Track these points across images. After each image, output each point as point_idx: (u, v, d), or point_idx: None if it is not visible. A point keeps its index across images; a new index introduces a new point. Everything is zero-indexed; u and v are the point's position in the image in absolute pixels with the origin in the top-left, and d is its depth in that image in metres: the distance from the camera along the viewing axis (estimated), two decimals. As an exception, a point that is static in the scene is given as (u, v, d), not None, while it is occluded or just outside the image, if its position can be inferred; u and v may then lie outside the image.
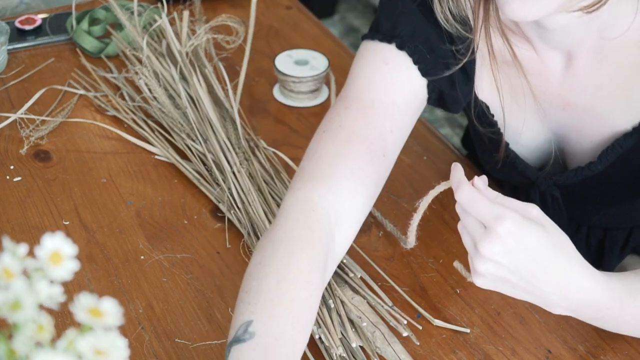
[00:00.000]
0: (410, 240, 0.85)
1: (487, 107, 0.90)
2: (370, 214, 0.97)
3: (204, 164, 1.01)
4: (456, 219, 0.96)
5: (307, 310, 0.73)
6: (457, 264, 0.80)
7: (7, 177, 1.00)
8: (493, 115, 0.90)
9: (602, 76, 0.84)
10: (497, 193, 0.70)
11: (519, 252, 0.68)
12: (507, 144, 0.91)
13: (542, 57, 0.85)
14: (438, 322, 0.83)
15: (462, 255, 0.92)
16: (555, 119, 0.89)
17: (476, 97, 0.89)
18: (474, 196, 0.69)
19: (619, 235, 0.98)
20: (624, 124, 0.84)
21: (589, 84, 0.85)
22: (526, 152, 0.93)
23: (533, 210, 0.69)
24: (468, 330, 0.83)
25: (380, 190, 0.85)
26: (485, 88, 0.89)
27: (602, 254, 1.00)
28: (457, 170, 0.71)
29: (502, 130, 0.90)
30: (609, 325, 0.77)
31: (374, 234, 0.94)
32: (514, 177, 0.96)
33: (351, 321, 0.81)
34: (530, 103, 0.88)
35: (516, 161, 0.92)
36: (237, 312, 0.72)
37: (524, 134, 0.91)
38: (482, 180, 0.70)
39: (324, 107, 1.14)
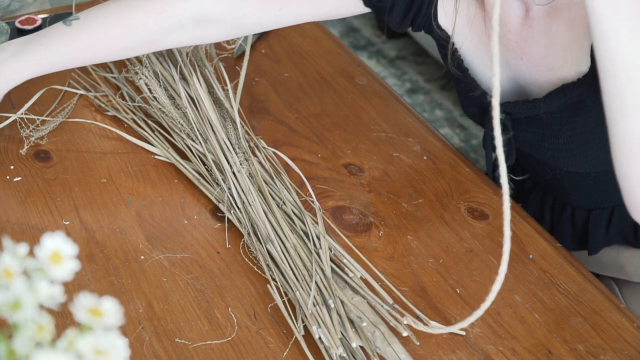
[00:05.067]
0: None
1: (447, 37, 0.95)
2: (371, 215, 0.97)
3: (204, 164, 1.01)
4: (456, 219, 0.97)
5: (119, 32, 0.95)
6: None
7: (7, 177, 1.00)
8: (453, 44, 0.95)
9: (555, 30, 0.88)
10: None
11: None
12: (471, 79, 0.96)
13: (503, 4, 0.87)
14: (434, 324, 0.83)
15: (462, 255, 0.93)
16: (515, 68, 0.93)
17: (438, 25, 0.94)
18: None
19: (602, 215, 1.01)
20: (573, 77, 0.88)
21: (543, 36, 0.89)
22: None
23: None
24: (463, 333, 0.83)
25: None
26: (443, 16, 0.94)
27: (587, 234, 1.03)
28: None
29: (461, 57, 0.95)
30: None
31: (374, 234, 0.94)
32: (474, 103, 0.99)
33: (351, 321, 0.81)
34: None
35: (472, 84, 0.96)
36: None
37: (486, 76, 0.95)
38: None
39: (324, 109, 1.14)
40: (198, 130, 1.02)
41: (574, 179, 0.99)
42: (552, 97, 0.89)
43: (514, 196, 1.10)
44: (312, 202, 0.96)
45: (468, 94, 0.97)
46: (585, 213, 1.03)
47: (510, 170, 1.01)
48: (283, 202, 0.95)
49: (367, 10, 0.96)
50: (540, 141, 0.95)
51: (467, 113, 1.05)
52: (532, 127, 0.94)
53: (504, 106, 0.94)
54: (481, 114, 0.99)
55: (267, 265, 0.88)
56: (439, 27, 0.95)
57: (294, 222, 0.92)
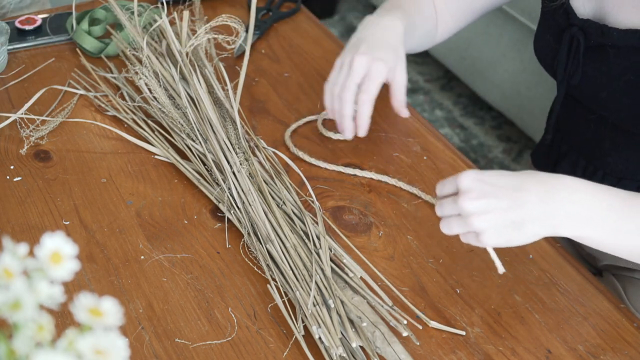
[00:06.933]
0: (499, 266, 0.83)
1: None
2: (372, 214, 0.97)
3: (204, 164, 1.01)
4: (456, 219, 0.96)
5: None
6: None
7: (7, 177, 1.00)
8: None
9: None
10: None
11: (491, 184, 0.77)
12: None
13: None
14: (434, 324, 0.83)
15: (462, 255, 0.93)
16: None
17: None
18: (440, 182, 0.82)
19: (630, 186, 1.02)
20: None
21: None
22: None
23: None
24: (463, 333, 0.83)
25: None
26: None
27: None
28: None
29: None
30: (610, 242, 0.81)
31: (374, 234, 0.95)
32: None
33: (351, 321, 0.81)
34: None
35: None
36: None
37: None
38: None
39: (324, 109, 1.14)
40: (198, 130, 1.02)
41: (616, 139, 1.01)
42: (628, 33, 0.92)
43: (546, 160, 1.15)
44: (312, 202, 0.96)
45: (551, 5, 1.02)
46: (614, 181, 1.04)
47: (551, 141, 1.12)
48: (283, 202, 0.95)
49: None
50: (601, 76, 0.97)
51: (537, 47, 1.09)
52: (597, 61, 0.97)
53: (583, 22, 0.98)
54: (556, 42, 1.02)
55: (267, 265, 0.88)
56: None
57: (294, 222, 0.92)
